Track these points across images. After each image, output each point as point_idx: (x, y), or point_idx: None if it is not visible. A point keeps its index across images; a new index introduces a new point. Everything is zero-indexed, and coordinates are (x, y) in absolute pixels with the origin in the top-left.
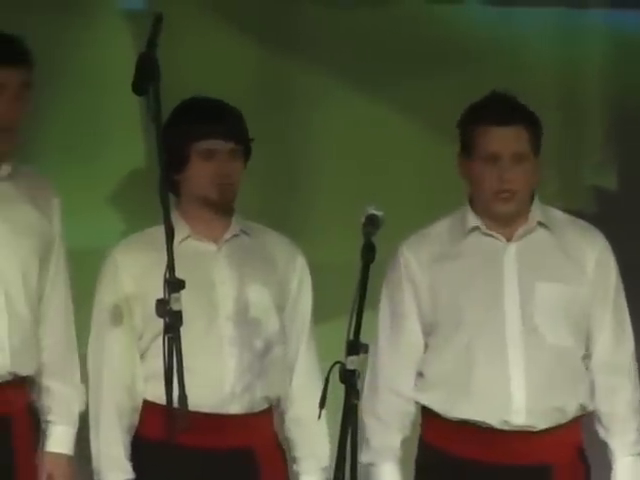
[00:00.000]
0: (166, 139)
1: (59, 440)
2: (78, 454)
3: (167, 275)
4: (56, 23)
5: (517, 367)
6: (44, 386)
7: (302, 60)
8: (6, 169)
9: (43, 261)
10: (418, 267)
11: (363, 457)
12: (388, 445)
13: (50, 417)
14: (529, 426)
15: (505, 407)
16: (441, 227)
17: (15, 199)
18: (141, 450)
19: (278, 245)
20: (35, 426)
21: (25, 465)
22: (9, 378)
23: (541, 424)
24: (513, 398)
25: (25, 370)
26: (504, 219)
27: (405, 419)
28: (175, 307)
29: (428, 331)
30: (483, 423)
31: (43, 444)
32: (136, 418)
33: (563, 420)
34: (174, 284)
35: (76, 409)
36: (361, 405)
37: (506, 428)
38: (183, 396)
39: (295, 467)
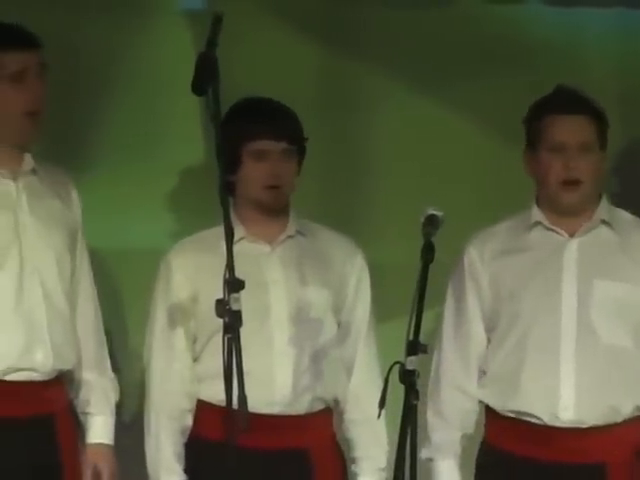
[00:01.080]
0: (222, 140)
1: (100, 431)
2: None
3: (227, 275)
4: (116, 24)
5: (568, 362)
6: (81, 379)
7: (362, 61)
8: (29, 163)
9: (72, 253)
10: (480, 264)
11: (423, 453)
12: (448, 441)
13: (89, 409)
14: (578, 422)
15: (554, 402)
16: (506, 225)
17: (42, 193)
18: (196, 450)
19: (336, 244)
20: (75, 420)
21: (70, 461)
22: (53, 375)
23: (591, 421)
24: (562, 393)
25: (66, 364)
26: (568, 211)
27: (467, 417)
28: (234, 307)
29: (490, 327)
30: (534, 417)
31: (83, 437)
32: (189, 420)
33: (618, 419)
34: (234, 284)
35: (113, 399)
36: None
37: (558, 424)
38: (243, 397)
39: (353, 468)
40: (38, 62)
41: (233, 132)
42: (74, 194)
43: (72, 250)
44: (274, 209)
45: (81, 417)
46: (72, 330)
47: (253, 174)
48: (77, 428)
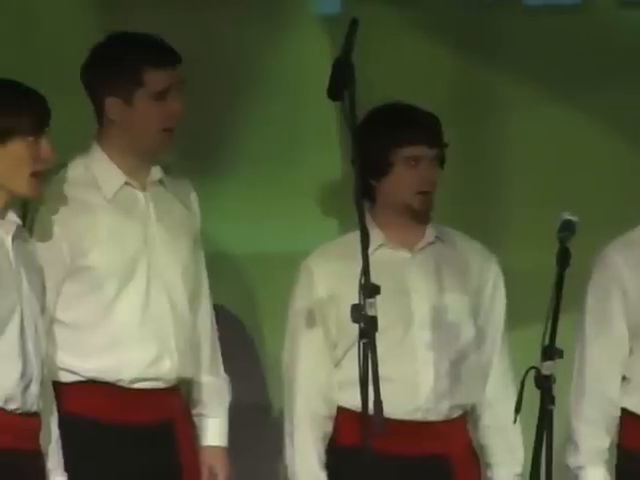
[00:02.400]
0: (365, 145)
1: (215, 433)
2: None
3: (362, 280)
4: (253, 29)
5: None
6: (197, 382)
7: (497, 69)
8: (157, 173)
9: (195, 260)
10: (627, 270)
11: (571, 461)
12: (597, 449)
13: (204, 411)
14: None
15: None
16: None
17: (169, 202)
18: (337, 457)
19: (472, 251)
20: (192, 424)
21: (190, 466)
22: (175, 383)
23: None
24: None
25: (188, 372)
26: None
27: (612, 423)
28: (370, 312)
29: (634, 334)
30: None
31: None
32: (330, 426)
33: None
34: (369, 289)
35: (227, 401)
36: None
37: None
38: (379, 402)
39: (489, 474)
40: (179, 79)
41: (382, 138)
42: (194, 198)
43: (195, 257)
44: (420, 213)
45: (195, 419)
46: (194, 337)
47: (405, 179)
48: (194, 428)
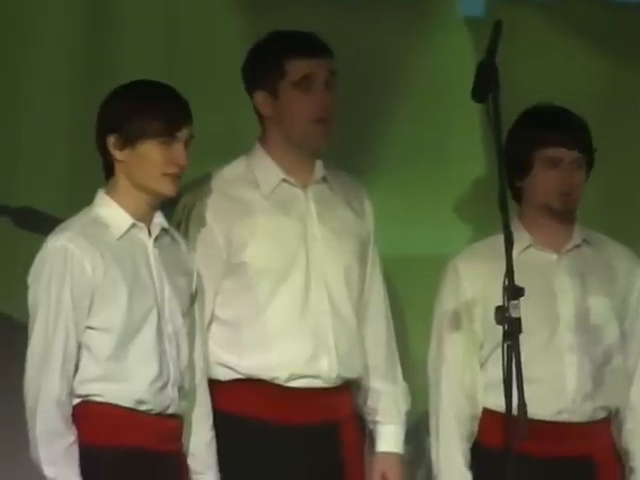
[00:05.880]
0: (509, 145)
1: (390, 440)
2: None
3: (506, 282)
4: (400, 31)
5: None
6: (370, 388)
7: None
8: (320, 171)
9: (362, 263)
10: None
11: None
12: None
13: (379, 418)
14: None
15: None
16: None
17: (333, 202)
18: (481, 458)
19: (619, 255)
20: (361, 430)
21: (354, 470)
22: (338, 383)
23: None
24: None
25: (352, 373)
26: None
27: None
28: (514, 314)
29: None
30: None
31: (369, 446)
32: (475, 426)
33: None
34: (513, 291)
35: (404, 408)
36: None
37: None
38: (522, 404)
39: (632, 478)
40: (327, 70)
41: (525, 138)
42: (367, 203)
43: (362, 260)
44: (563, 215)
45: (370, 425)
46: (359, 340)
47: (544, 180)
48: (363, 434)
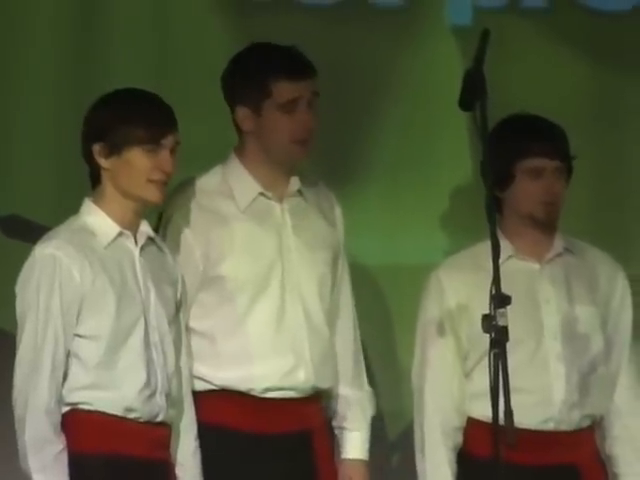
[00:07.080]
0: (491, 155)
1: (356, 446)
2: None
3: (493, 290)
4: (388, 39)
5: None
6: (339, 394)
7: (632, 76)
8: (295, 183)
9: (334, 272)
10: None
11: None
12: None
13: (345, 424)
14: None
15: None
16: None
17: (307, 213)
18: (467, 468)
19: (600, 262)
20: (331, 436)
21: (327, 477)
22: (311, 392)
23: None
24: None
25: (325, 383)
26: None
27: None
28: (501, 322)
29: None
30: None
31: (338, 452)
32: (460, 437)
33: None
34: (500, 299)
35: (369, 414)
36: None
37: None
38: (509, 413)
39: None
40: (311, 92)
41: (505, 149)
42: (337, 211)
43: (333, 268)
44: (547, 225)
45: (336, 431)
46: (331, 348)
47: (528, 191)
48: (333, 440)
